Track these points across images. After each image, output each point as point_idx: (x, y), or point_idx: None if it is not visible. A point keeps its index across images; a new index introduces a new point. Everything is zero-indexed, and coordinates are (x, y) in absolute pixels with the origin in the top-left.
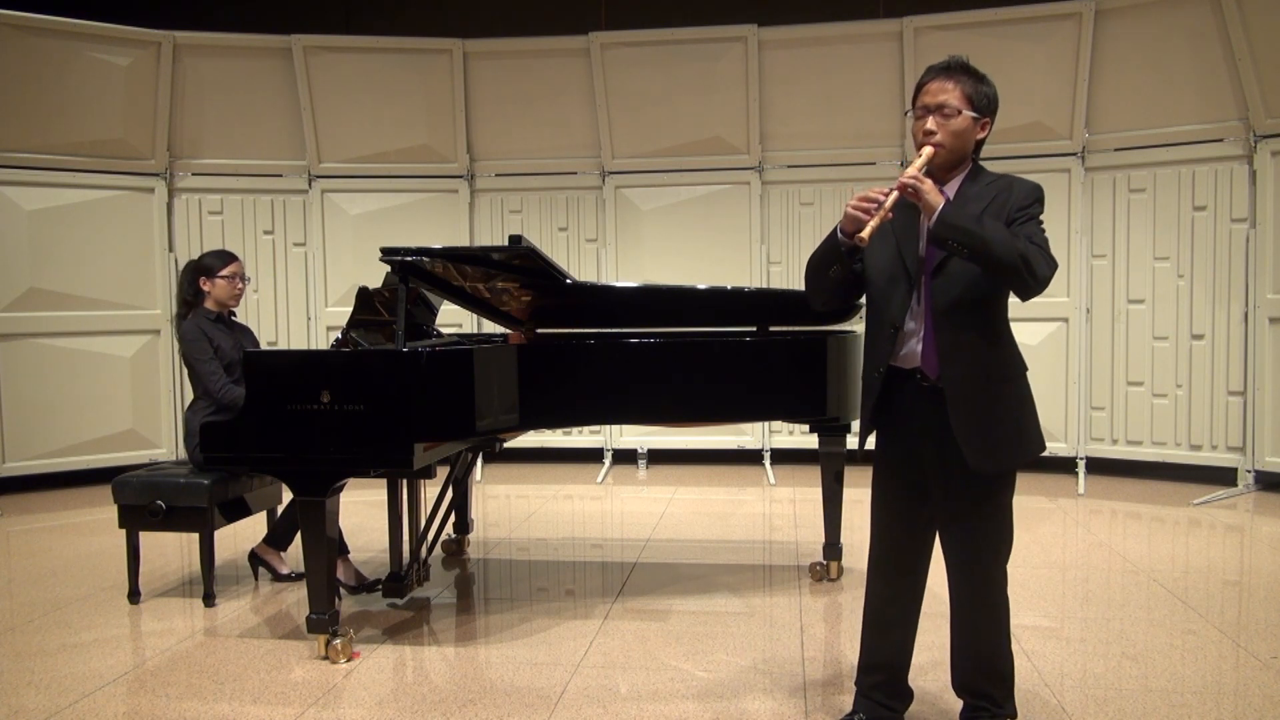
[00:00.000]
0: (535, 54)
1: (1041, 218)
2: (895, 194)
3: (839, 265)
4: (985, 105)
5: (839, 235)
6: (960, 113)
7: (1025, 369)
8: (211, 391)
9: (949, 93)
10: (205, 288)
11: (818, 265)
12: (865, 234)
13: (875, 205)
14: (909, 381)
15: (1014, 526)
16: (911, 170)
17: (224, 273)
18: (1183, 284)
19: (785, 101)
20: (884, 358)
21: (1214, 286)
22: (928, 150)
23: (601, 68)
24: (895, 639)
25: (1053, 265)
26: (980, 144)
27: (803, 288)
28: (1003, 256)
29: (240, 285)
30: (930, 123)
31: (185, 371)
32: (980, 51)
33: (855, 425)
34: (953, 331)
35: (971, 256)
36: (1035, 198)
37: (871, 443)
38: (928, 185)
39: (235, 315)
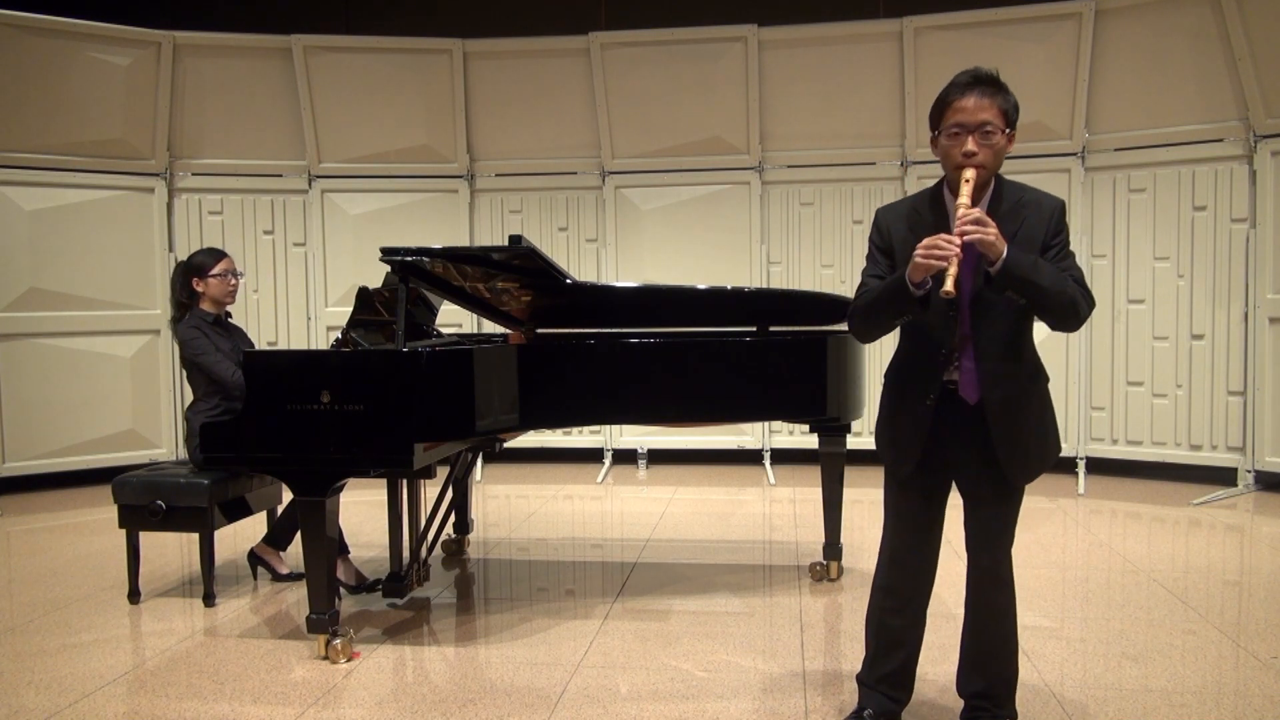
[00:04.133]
0: (535, 54)
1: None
2: (960, 241)
3: (911, 313)
4: (1015, 119)
5: (909, 285)
6: (1002, 131)
7: (1048, 379)
8: (225, 380)
9: (988, 111)
10: (199, 288)
11: (884, 314)
12: (950, 286)
13: (945, 254)
14: (947, 400)
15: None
16: (963, 200)
17: (216, 271)
18: (1183, 284)
19: (785, 101)
20: (937, 383)
21: (1214, 286)
22: (971, 173)
23: (601, 68)
24: (910, 641)
25: (1092, 304)
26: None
27: (803, 287)
28: (1057, 303)
29: (234, 282)
30: (971, 143)
31: (185, 374)
32: (980, 51)
33: (855, 425)
34: (993, 358)
35: (1028, 301)
36: (1064, 222)
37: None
38: (994, 232)
39: (230, 316)
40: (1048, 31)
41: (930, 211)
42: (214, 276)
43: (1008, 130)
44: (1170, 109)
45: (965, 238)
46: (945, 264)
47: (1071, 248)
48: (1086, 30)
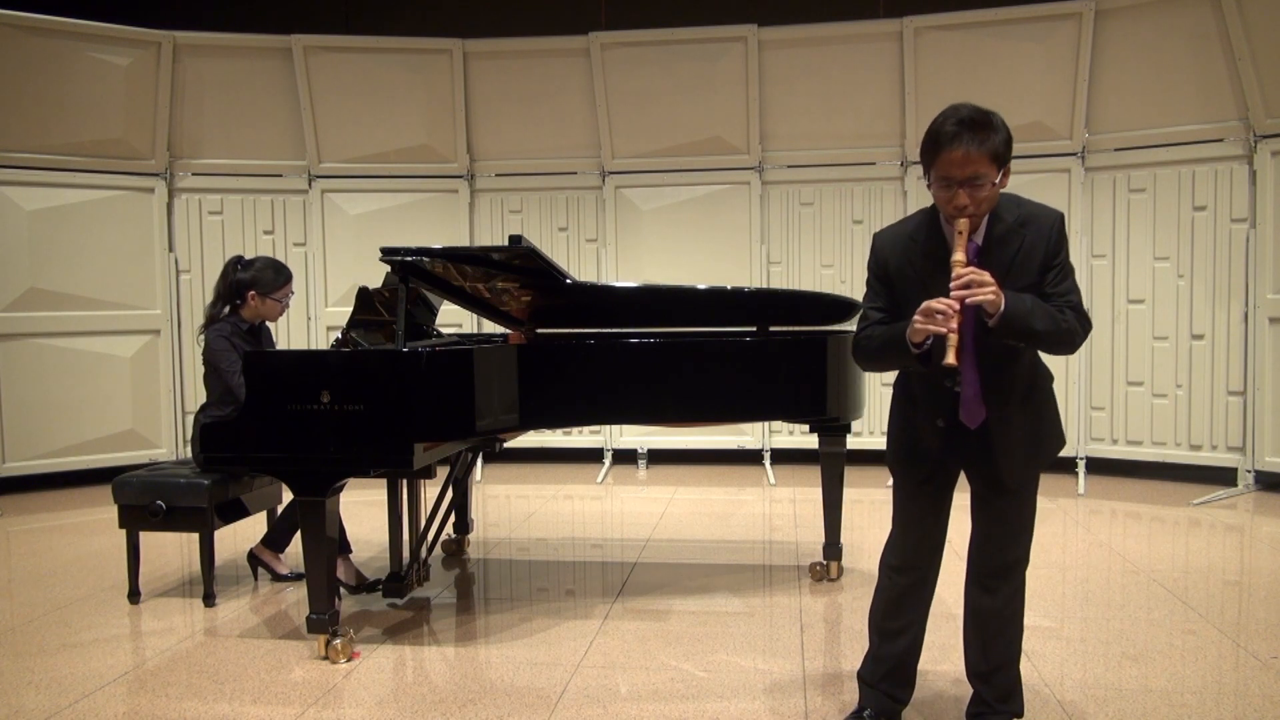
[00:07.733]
0: (535, 54)
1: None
2: (958, 306)
3: (913, 368)
4: (1008, 154)
5: (910, 344)
6: (993, 180)
7: (1052, 379)
8: (241, 401)
9: (977, 162)
10: (252, 301)
11: (887, 364)
12: (951, 358)
13: (943, 317)
14: (951, 422)
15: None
16: (958, 257)
17: (277, 295)
18: (1183, 284)
19: (785, 101)
20: (946, 407)
21: (1214, 286)
22: (964, 224)
23: (601, 68)
24: (912, 634)
25: (1088, 328)
26: None
27: (803, 287)
28: (1054, 341)
29: (287, 304)
30: (962, 196)
31: (200, 373)
32: (980, 51)
33: (855, 425)
34: (998, 384)
35: (1026, 345)
36: (1064, 236)
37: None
38: (990, 290)
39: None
40: (1047, 31)
41: (926, 239)
42: (273, 300)
43: (1000, 171)
44: (1170, 109)
45: (964, 302)
46: (942, 330)
47: (1071, 259)
48: (1086, 30)
